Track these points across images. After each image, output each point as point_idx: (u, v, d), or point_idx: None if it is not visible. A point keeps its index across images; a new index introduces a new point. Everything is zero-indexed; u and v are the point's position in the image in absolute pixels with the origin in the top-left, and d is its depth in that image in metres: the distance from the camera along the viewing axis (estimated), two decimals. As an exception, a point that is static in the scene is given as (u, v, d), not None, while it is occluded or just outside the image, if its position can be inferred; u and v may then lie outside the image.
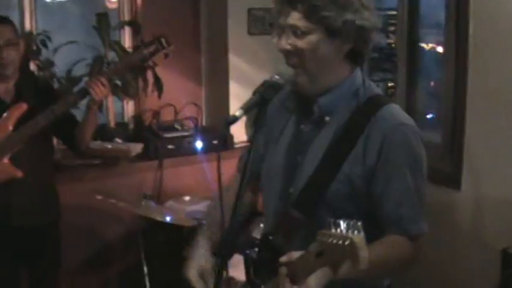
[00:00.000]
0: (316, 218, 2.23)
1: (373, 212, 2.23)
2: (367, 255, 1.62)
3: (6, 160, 3.53)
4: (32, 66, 4.74)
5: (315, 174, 2.26)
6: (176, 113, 5.45)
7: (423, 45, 4.91)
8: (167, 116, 5.41)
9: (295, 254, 1.98)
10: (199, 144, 5.13)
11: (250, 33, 5.48)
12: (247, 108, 2.17)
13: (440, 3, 4.38)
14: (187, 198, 4.80)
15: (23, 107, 3.54)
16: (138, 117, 5.35)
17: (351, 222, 1.67)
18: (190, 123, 5.45)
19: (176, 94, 5.37)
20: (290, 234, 2.25)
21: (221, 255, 2.40)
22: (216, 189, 2.26)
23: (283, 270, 2.00)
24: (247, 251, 2.33)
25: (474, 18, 3.90)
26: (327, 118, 2.30)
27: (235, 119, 2.14)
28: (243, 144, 5.20)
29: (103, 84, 3.49)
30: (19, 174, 3.55)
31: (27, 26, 4.95)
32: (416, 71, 4.84)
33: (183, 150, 5.15)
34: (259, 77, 5.30)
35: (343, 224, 1.68)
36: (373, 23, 2.25)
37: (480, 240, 3.87)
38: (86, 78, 4.65)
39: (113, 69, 3.73)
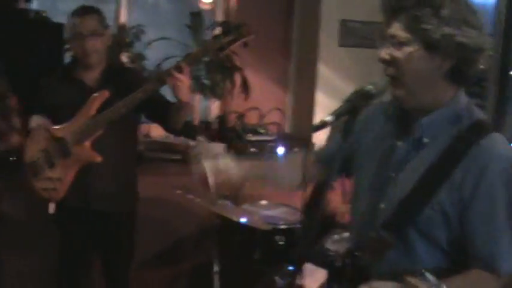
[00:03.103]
0: (405, 241, 2.19)
1: (462, 242, 2.18)
2: None
3: (87, 144, 3.62)
4: (124, 59, 4.82)
5: (409, 197, 2.20)
6: (261, 117, 5.47)
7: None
8: (251, 119, 5.43)
9: (376, 285, 1.97)
10: (280, 150, 5.13)
11: (341, 44, 5.47)
12: (337, 115, 2.15)
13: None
14: (263, 202, 4.79)
15: (105, 94, 3.63)
16: (222, 118, 5.39)
17: (438, 283, 1.66)
18: (273, 128, 5.46)
19: (262, 98, 5.40)
20: (376, 253, 2.21)
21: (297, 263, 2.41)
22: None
23: None
24: (332, 264, 2.31)
25: None
26: (426, 140, 2.24)
27: (324, 124, 2.12)
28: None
29: (181, 71, 3.50)
30: (98, 158, 3.63)
31: (122, 19, 5.05)
32: (506, 98, 4.75)
33: (265, 154, 5.14)
34: (347, 88, 5.32)
35: (431, 279, 1.67)
36: (477, 43, 2.16)
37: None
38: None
39: (191, 55, 3.72)
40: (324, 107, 5.34)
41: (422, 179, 2.20)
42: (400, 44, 2.18)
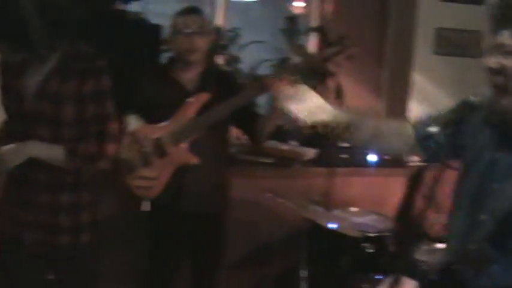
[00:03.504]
0: (507, 255, 2.17)
1: None
2: None
3: (184, 145, 3.67)
4: (219, 61, 4.87)
5: None
6: (353, 123, 5.44)
7: None
8: (343, 125, 5.40)
9: None
10: (372, 157, 5.11)
11: (436, 52, 5.42)
12: (442, 125, 2.14)
13: None
14: (354, 209, 4.77)
15: (205, 96, 3.67)
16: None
17: None
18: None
19: (354, 104, 5.36)
20: (477, 267, 2.19)
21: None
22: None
23: None
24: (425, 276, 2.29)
25: None
26: None
27: (430, 134, 2.12)
28: (416, 163, 5.13)
29: (284, 82, 3.51)
30: (194, 160, 3.67)
31: (217, 21, 5.10)
32: None
33: (356, 161, 5.13)
34: (441, 97, 5.32)
35: None
36: None
37: None
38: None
39: (295, 66, 3.74)
40: (416, 115, 5.27)
41: None
42: (508, 53, 2.17)
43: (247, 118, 3.88)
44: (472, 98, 2.20)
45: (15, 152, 2.93)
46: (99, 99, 3.02)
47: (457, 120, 2.16)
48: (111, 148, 3.05)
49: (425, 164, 4.91)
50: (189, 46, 3.79)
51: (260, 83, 3.68)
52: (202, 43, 3.83)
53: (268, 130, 3.87)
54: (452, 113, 2.16)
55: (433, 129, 2.11)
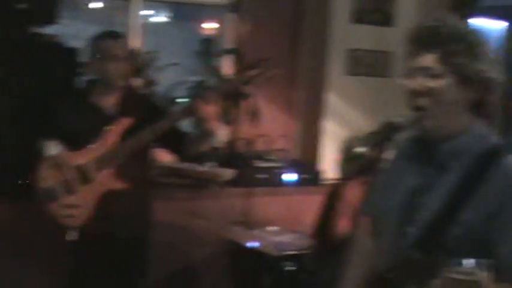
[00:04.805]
0: (434, 260, 2.26)
1: (490, 258, 2.24)
2: None
3: (108, 171, 3.66)
4: (137, 84, 4.87)
5: (437, 217, 2.28)
6: (269, 143, 5.50)
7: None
8: (260, 145, 5.46)
9: None
10: (289, 177, 5.19)
11: (348, 73, 5.53)
12: (370, 145, 2.22)
13: None
14: (273, 228, 4.83)
15: (127, 121, 3.67)
16: (231, 144, 5.42)
17: (479, 261, 1.71)
18: (281, 155, 5.49)
19: (269, 125, 5.43)
20: (407, 274, 2.28)
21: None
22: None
23: None
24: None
25: None
26: (449, 165, 2.33)
27: (358, 155, 2.19)
28: (331, 181, 5.22)
29: (209, 105, 3.56)
30: (119, 185, 3.66)
31: (133, 44, 5.10)
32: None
33: (273, 180, 5.20)
34: (353, 117, 5.43)
35: (470, 262, 1.72)
36: (499, 77, 2.32)
37: None
38: (184, 100, 4.77)
39: (216, 90, 3.77)
40: (331, 135, 5.39)
41: (448, 200, 2.28)
42: (434, 76, 2.25)
43: (173, 139, 3.87)
44: (394, 118, 2.27)
45: None
46: None
47: (382, 140, 2.23)
48: None
49: (342, 181, 5.03)
50: (115, 71, 3.78)
51: (185, 107, 3.71)
52: (126, 67, 3.83)
53: (203, 147, 3.87)
54: (377, 134, 2.23)
55: (360, 149, 2.17)
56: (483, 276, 1.67)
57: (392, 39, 5.35)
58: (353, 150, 2.20)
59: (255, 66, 3.61)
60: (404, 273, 2.29)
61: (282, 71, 5.37)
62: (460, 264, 1.73)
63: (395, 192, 2.47)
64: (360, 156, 2.19)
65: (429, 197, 2.35)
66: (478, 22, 5.19)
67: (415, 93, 2.29)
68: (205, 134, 3.69)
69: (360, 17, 5.50)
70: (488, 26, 5.28)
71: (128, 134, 3.66)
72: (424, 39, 2.28)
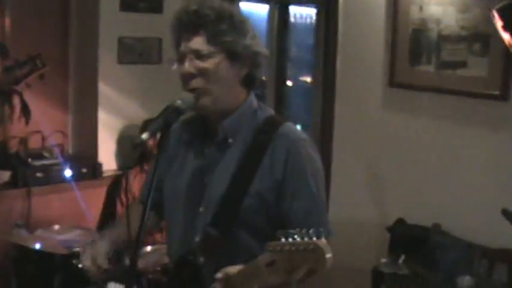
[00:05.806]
0: (231, 234, 2.32)
1: (283, 225, 2.29)
2: (332, 256, 1.73)
3: None
4: None
5: (227, 192, 2.35)
6: (43, 140, 5.34)
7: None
8: (34, 143, 5.28)
9: (232, 270, 2.10)
10: (68, 173, 5.08)
11: (120, 62, 5.46)
12: (152, 132, 2.20)
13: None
14: (56, 227, 4.69)
15: None
16: (3, 144, 5.20)
17: (306, 230, 1.77)
18: (58, 151, 5.35)
19: (43, 121, 5.26)
20: (209, 253, 2.31)
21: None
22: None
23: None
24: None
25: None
26: (230, 140, 2.42)
27: (142, 142, 2.16)
28: (111, 173, 5.17)
29: None
30: None
31: None
32: (283, 106, 5.12)
33: (52, 178, 5.09)
34: (128, 105, 5.39)
35: (299, 233, 1.78)
36: (264, 51, 2.47)
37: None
38: None
39: None
40: (107, 125, 5.33)
41: (235, 174, 2.37)
42: (204, 56, 2.32)
43: None
44: (176, 103, 2.27)
45: None
46: None
47: (165, 125, 2.22)
48: None
49: (122, 171, 4.99)
50: None
51: None
52: None
53: None
54: (161, 119, 2.22)
55: (145, 136, 2.15)
56: (321, 242, 1.72)
57: (162, 26, 5.34)
58: (131, 139, 2.17)
59: (26, 63, 3.47)
60: (204, 252, 2.32)
61: (53, 65, 5.23)
62: (290, 234, 1.77)
63: (181, 176, 2.51)
64: (139, 144, 2.16)
65: (215, 175, 2.41)
66: (244, 6, 5.36)
67: (189, 76, 2.34)
68: None
69: (129, 4, 5.44)
70: (253, 9, 5.49)
71: None
72: (189, 23, 2.34)
